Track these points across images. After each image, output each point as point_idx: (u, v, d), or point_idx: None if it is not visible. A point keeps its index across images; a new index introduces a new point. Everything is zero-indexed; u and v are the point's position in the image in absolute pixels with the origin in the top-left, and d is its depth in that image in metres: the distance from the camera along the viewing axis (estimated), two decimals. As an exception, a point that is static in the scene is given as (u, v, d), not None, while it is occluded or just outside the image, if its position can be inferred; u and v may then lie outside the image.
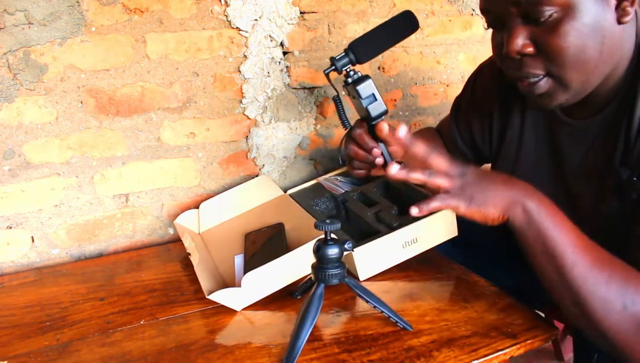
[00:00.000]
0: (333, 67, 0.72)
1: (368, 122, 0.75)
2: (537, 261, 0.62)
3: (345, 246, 0.66)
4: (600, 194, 0.70)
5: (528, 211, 0.61)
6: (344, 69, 0.72)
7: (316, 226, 0.64)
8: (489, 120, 0.87)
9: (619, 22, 0.60)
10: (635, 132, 0.63)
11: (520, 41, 0.61)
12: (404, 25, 0.70)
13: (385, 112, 0.71)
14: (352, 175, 0.80)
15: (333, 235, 0.66)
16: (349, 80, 0.72)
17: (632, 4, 0.59)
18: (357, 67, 0.74)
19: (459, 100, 0.96)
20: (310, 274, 0.77)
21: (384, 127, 0.73)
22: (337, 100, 0.78)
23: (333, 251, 0.64)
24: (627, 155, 0.65)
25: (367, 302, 0.69)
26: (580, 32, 0.58)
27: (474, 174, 0.63)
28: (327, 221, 0.63)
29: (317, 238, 0.67)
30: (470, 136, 0.91)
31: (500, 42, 0.66)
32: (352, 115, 0.82)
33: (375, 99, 0.70)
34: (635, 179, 0.63)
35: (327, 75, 0.73)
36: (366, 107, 0.71)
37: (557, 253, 0.59)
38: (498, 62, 0.70)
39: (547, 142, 0.78)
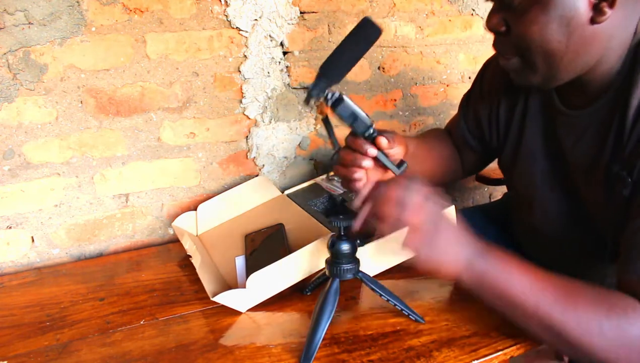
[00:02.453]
0: (310, 96, 0.70)
1: (358, 135, 0.73)
2: (501, 312, 0.63)
3: (357, 241, 0.68)
4: (591, 184, 0.71)
5: (478, 272, 0.61)
6: (321, 94, 0.69)
7: (331, 222, 0.66)
8: (496, 110, 0.87)
9: (593, 21, 0.60)
10: (629, 129, 0.63)
11: (495, 20, 0.66)
12: (366, 33, 0.68)
13: (370, 125, 0.70)
14: (350, 190, 0.78)
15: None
16: (328, 103, 0.70)
17: (610, 5, 0.59)
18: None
19: (467, 95, 0.97)
20: (318, 271, 0.78)
21: (382, 142, 0.72)
22: (325, 121, 0.75)
23: (347, 246, 0.67)
24: (618, 150, 0.65)
25: (381, 295, 0.70)
26: (545, 23, 0.61)
27: (434, 222, 0.61)
28: (341, 217, 0.65)
29: (330, 234, 0.68)
30: (479, 129, 0.92)
31: None
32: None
33: (357, 117, 0.69)
34: (625, 174, 0.63)
35: (307, 103, 0.71)
36: (351, 125, 0.70)
37: (517, 303, 0.60)
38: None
39: (547, 130, 0.79)
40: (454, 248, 0.61)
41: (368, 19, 0.68)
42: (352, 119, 0.69)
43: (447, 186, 1.36)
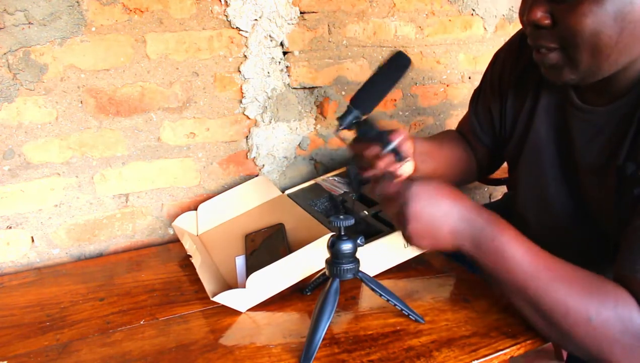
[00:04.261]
0: (342, 127, 0.70)
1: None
2: (495, 283, 0.65)
3: (358, 241, 0.67)
4: (602, 184, 0.70)
5: (475, 244, 0.62)
6: (351, 126, 0.70)
7: (331, 222, 0.65)
8: (504, 101, 0.87)
9: None
10: None
11: (539, 13, 0.62)
12: (396, 65, 0.70)
13: (388, 143, 0.68)
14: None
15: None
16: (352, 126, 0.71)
17: None
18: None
19: (477, 90, 0.96)
20: (318, 271, 0.78)
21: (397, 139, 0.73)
22: (351, 167, 0.75)
23: (347, 246, 0.66)
24: (634, 150, 0.64)
25: (381, 295, 0.70)
26: (599, 17, 0.58)
27: (411, 211, 0.62)
28: (341, 216, 0.65)
29: (330, 234, 0.68)
30: (490, 123, 0.91)
31: (524, 7, 0.66)
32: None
33: (378, 134, 0.69)
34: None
35: (338, 135, 0.72)
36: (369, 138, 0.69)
37: (509, 278, 0.61)
38: (522, 26, 0.70)
39: (558, 126, 0.77)
40: (453, 230, 0.63)
41: (400, 52, 0.70)
42: (372, 135, 0.68)
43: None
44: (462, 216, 0.62)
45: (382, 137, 0.68)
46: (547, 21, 0.62)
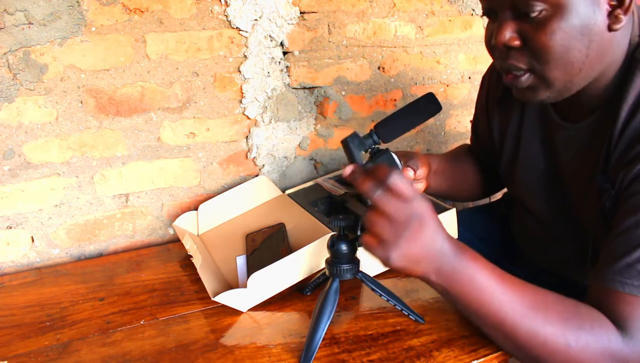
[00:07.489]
0: (363, 149, 0.70)
1: None
2: (467, 315, 0.61)
3: (358, 241, 0.67)
4: (587, 197, 0.70)
5: (444, 277, 0.57)
6: (369, 148, 0.70)
7: (331, 222, 0.66)
8: (492, 122, 0.89)
9: (610, 29, 0.60)
10: (615, 141, 0.63)
11: (508, 34, 0.62)
12: (426, 106, 0.71)
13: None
14: None
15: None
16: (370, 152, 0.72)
17: (625, 12, 0.59)
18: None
19: (474, 116, 1.00)
20: (318, 271, 0.78)
21: (409, 175, 0.77)
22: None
23: (347, 246, 0.66)
24: (607, 163, 0.65)
25: (381, 295, 0.70)
26: (567, 32, 0.59)
27: (397, 231, 0.56)
28: (341, 217, 0.65)
29: (330, 234, 0.68)
30: (489, 145, 0.93)
31: (491, 32, 0.67)
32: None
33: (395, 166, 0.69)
34: (609, 185, 0.63)
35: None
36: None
37: (483, 312, 0.58)
38: (488, 51, 0.70)
39: (544, 141, 0.79)
40: (423, 257, 0.57)
41: (432, 94, 0.70)
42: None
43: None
44: (431, 246, 0.57)
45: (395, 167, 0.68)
46: (516, 42, 0.62)
